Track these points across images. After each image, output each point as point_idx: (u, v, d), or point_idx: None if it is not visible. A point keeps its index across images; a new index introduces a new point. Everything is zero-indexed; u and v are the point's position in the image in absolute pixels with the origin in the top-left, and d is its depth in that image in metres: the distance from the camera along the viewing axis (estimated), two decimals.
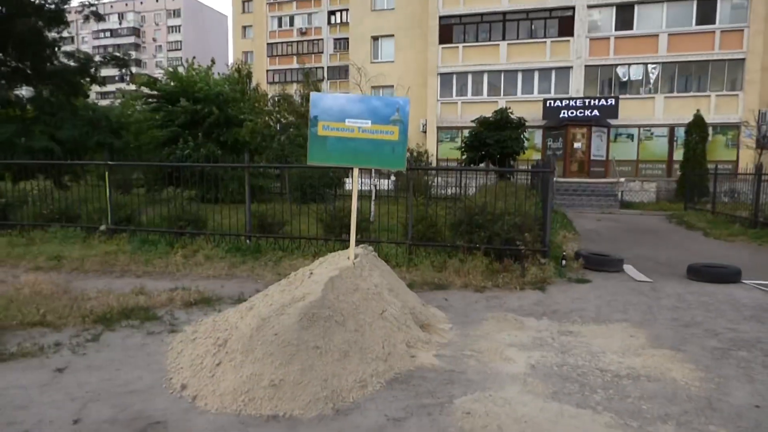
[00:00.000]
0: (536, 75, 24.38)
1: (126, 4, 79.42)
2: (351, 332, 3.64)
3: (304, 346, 3.34)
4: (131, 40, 78.89)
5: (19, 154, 12.61)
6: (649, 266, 7.91)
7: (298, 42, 50.08)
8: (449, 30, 25.23)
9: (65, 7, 15.39)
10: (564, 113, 22.64)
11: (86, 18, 16.23)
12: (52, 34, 15.77)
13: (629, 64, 23.22)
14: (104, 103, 36.59)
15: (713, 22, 22.11)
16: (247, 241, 8.10)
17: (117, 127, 15.94)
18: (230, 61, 51.18)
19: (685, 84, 22.92)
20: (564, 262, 7.32)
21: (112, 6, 78.29)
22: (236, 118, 16.66)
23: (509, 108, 19.97)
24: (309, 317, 3.50)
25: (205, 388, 3.23)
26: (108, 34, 78.34)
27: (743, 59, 21.76)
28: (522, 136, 19.17)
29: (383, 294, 4.34)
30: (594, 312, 5.38)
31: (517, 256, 6.87)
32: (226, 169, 11.69)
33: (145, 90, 17.47)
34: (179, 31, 78.32)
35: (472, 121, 20.37)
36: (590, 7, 23.35)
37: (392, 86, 25.18)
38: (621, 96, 22.79)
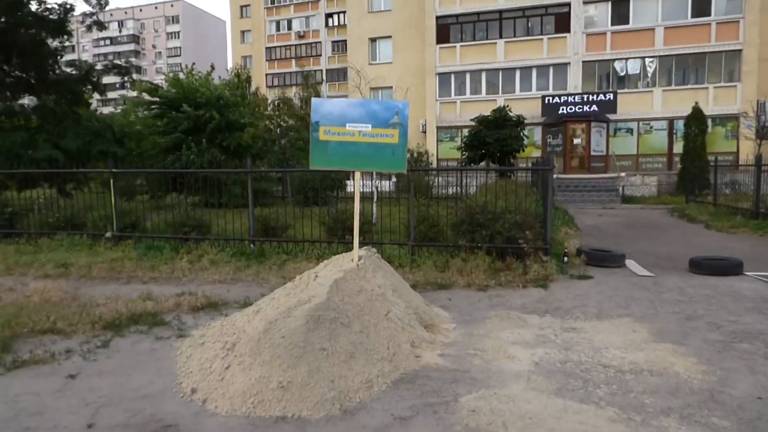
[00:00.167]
0: (534, 72, 24.43)
1: (125, 12, 79.77)
2: (356, 333, 3.70)
3: (310, 348, 3.40)
4: (131, 47, 79.20)
5: (24, 163, 12.74)
6: (651, 261, 7.94)
7: (296, 45, 50.24)
8: (446, 30, 25.29)
9: (68, 17, 15.54)
10: (563, 109, 22.68)
11: (89, 27, 16.39)
12: (55, 44, 15.93)
13: (626, 59, 23.26)
14: (106, 110, 36.81)
15: (708, 14, 22.14)
16: (252, 245, 8.17)
17: (120, 137, 16.09)
18: (229, 65, 51.37)
19: (683, 77, 22.95)
20: (566, 258, 7.36)
21: (111, 14, 78.59)
22: (237, 123, 16.77)
23: (507, 106, 20.03)
24: (315, 319, 3.56)
25: (215, 392, 3.29)
26: (108, 41, 78.66)
27: (740, 50, 21.78)
28: (521, 134, 19.21)
29: (387, 295, 4.41)
30: (596, 308, 5.42)
31: (519, 254, 6.92)
32: (230, 173, 11.79)
33: (147, 97, 17.61)
34: (178, 37, 78.61)
35: (472, 120, 20.44)
36: (586, 2, 23.40)
37: (391, 87, 25.25)
38: (619, 91, 22.83)
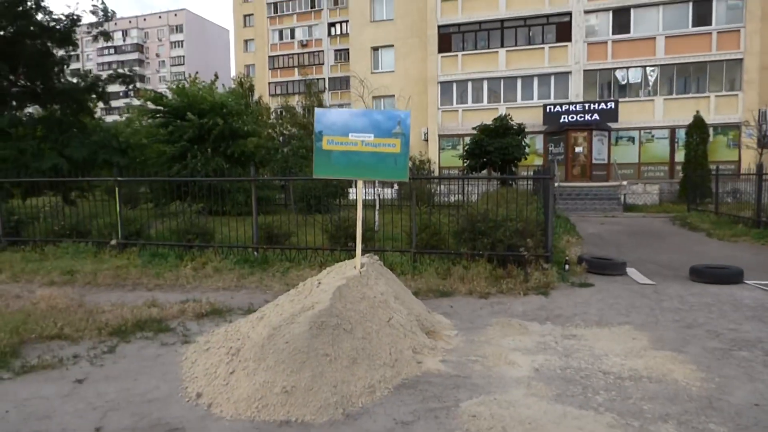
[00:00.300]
0: (535, 81, 24.57)
1: (129, 21, 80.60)
2: (359, 339, 3.76)
3: (314, 353, 3.46)
4: (135, 55, 79.94)
5: (29, 172, 12.90)
6: (652, 269, 7.98)
7: (299, 54, 50.69)
8: (448, 39, 25.51)
9: (74, 28, 15.78)
10: (564, 118, 22.79)
11: (95, 38, 16.65)
12: (60, 53, 16.16)
13: (627, 68, 23.37)
14: (110, 118, 37.10)
15: (709, 24, 22.25)
16: (255, 252, 8.24)
17: (125, 147, 16.26)
18: (233, 74, 51.87)
19: (684, 85, 23.03)
20: (567, 266, 7.41)
21: (116, 23, 79.22)
22: (241, 130, 16.93)
23: (509, 114, 20.14)
24: (318, 326, 3.62)
25: (220, 396, 3.35)
26: (112, 50, 79.43)
27: (741, 59, 21.87)
28: (523, 142, 19.30)
29: (389, 302, 4.47)
30: (597, 315, 5.46)
31: (520, 262, 6.97)
32: (233, 182, 11.90)
33: (151, 105, 17.80)
34: (182, 46, 79.33)
35: (473, 129, 20.54)
36: (587, 12, 23.57)
37: (393, 96, 25.44)
38: (620, 99, 22.92)
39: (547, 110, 23.17)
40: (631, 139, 23.41)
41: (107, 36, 16.81)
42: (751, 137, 21.00)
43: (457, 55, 25.34)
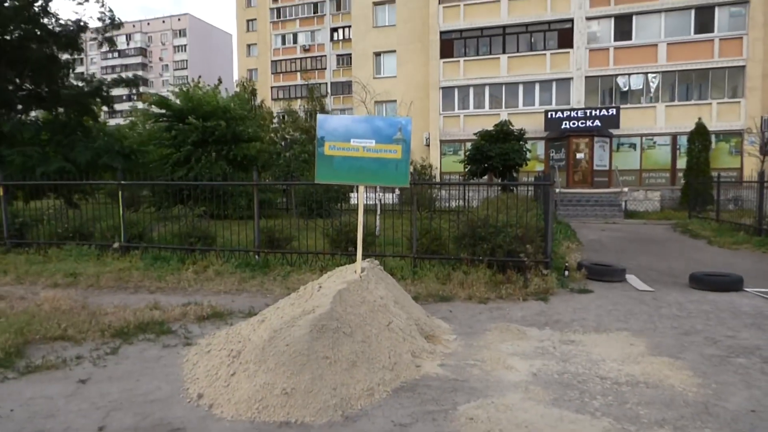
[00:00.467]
0: (537, 87, 24.67)
1: (133, 26, 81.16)
2: (358, 343, 3.80)
3: (314, 356, 3.51)
4: (138, 59, 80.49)
5: (35, 175, 13.02)
6: (652, 276, 8.00)
7: (301, 59, 50.98)
8: (450, 44, 25.65)
9: (80, 34, 15.95)
10: (566, 124, 22.86)
11: (100, 44, 16.82)
12: (65, 56, 16.31)
13: (629, 74, 23.45)
14: (113, 122, 37.34)
15: (712, 31, 22.32)
16: (256, 256, 8.29)
17: (128, 152, 16.39)
18: (235, 78, 52.18)
19: (686, 92, 23.08)
20: (566, 272, 7.45)
21: (120, 28, 79.97)
22: (244, 134, 17.04)
23: (509, 120, 20.22)
24: (319, 329, 3.67)
25: (221, 397, 3.40)
26: (116, 54, 79.90)
27: (743, 66, 21.91)
28: (524, 148, 19.36)
29: (389, 306, 4.51)
30: (595, 321, 5.49)
31: (519, 268, 7.01)
32: (235, 186, 11.98)
33: (155, 109, 17.93)
34: (185, 51, 79.84)
35: (474, 134, 20.63)
36: (589, 18, 23.69)
37: (395, 101, 25.56)
38: (622, 106, 22.99)
39: (549, 116, 23.25)
40: (633, 146, 23.45)
41: (112, 43, 16.98)
42: (753, 144, 21.02)
43: (458, 61, 25.48)
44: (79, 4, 15.79)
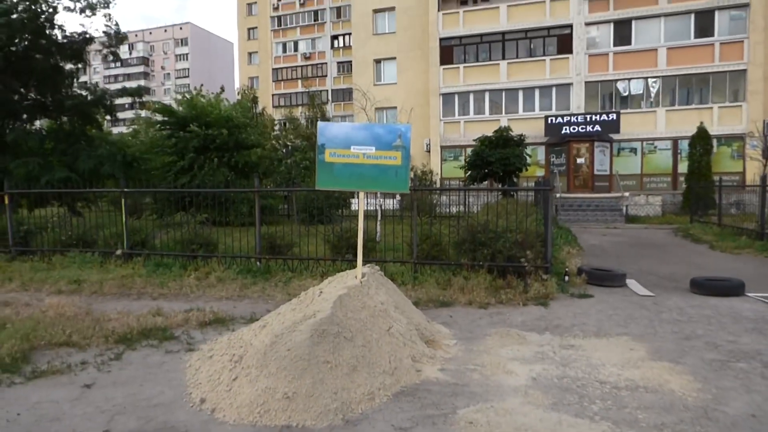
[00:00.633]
0: (537, 92, 24.76)
1: (136, 35, 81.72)
2: (359, 348, 3.84)
3: (315, 360, 3.55)
4: (141, 68, 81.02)
5: (40, 184, 13.14)
6: (653, 280, 8.00)
7: (302, 66, 51.33)
8: (450, 51, 25.81)
9: (86, 47, 16.16)
10: (566, 129, 22.91)
11: (104, 57, 17.02)
12: (69, 66, 16.50)
13: (629, 79, 23.51)
14: (116, 130, 37.59)
15: (712, 35, 22.36)
16: (258, 262, 8.34)
17: (130, 160, 16.52)
18: (237, 86, 52.51)
19: (687, 97, 23.10)
20: (567, 277, 7.47)
21: (124, 41, 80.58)
22: (246, 141, 17.15)
23: (508, 126, 20.29)
24: (320, 334, 3.71)
25: (223, 401, 3.44)
26: (118, 63, 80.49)
27: (744, 70, 21.93)
28: (524, 153, 19.42)
29: (389, 311, 4.55)
30: (595, 326, 5.50)
31: (519, 273, 7.03)
32: (237, 192, 12.06)
33: (158, 117, 18.07)
34: (187, 59, 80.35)
35: (474, 140, 20.70)
36: (588, 24, 23.80)
37: (396, 108, 25.69)
38: (622, 110, 23.03)
39: (549, 122, 23.30)
40: (634, 151, 23.47)
41: (116, 56, 17.22)
42: (755, 148, 20.97)
43: (458, 67, 25.62)
44: (87, 17, 15.98)
